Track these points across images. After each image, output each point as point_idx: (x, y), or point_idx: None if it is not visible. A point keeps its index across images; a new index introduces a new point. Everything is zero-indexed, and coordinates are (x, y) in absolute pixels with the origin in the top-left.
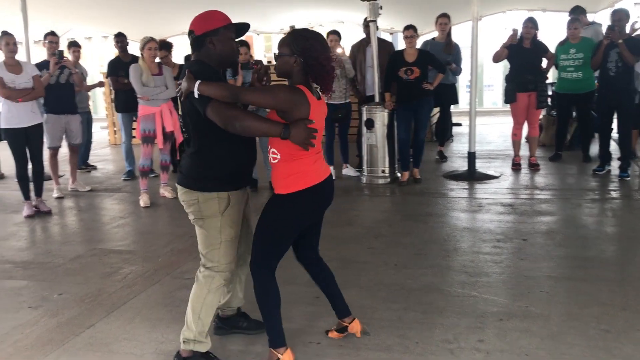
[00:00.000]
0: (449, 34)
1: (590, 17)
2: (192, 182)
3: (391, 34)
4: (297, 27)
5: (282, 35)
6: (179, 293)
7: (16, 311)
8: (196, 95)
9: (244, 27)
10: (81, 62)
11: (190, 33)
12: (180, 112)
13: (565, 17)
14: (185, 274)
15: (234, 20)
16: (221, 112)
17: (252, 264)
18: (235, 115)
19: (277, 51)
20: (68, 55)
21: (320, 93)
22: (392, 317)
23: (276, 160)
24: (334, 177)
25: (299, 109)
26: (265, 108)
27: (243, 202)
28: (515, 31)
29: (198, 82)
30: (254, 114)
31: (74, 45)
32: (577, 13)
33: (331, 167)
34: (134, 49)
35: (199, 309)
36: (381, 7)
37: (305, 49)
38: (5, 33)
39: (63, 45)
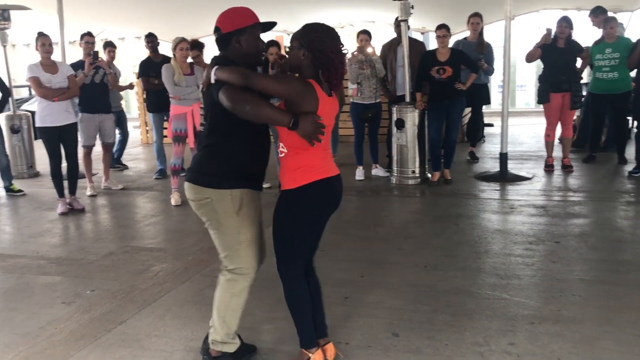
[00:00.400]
0: (481, 34)
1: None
2: (203, 179)
3: (422, 33)
4: None
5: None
6: (208, 291)
7: (50, 306)
8: (212, 81)
9: (270, 25)
10: (115, 62)
11: (216, 30)
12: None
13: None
14: (215, 272)
15: (263, 20)
16: (231, 94)
17: (278, 267)
18: (246, 98)
19: (289, 45)
20: (103, 55)
21: (330, 90)
22: (421, 318)
23: (283, 155)
24: (362, 177)
25: (308, 102)
26: (274, 95)
27: (259, 201)
28: (549, 31)
29: (215, 67)
30: (266, 101)
31: (109, 46)
32: (597, 13)
33: (360, 167)
34: (165, 49)
35: (224, 312)
36: (412, 7)
37: (313, 41)
38: (41, 34)
39: (99, 46)
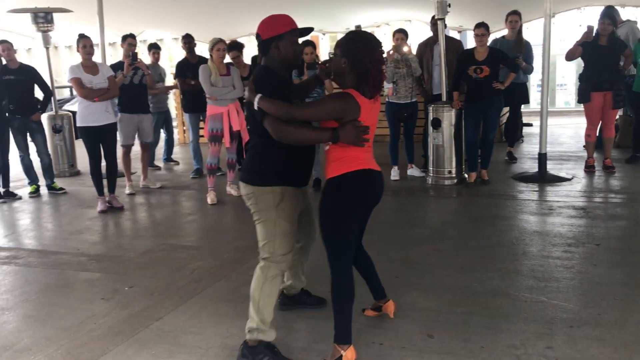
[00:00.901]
0: (519, 32)
1: (624, 15)
2: (249, 177)
3: (459, 32)
4: (363, 26)
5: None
6: (244, 289)
7: (90, 302)
8: (255, 108)
9: (307, 30)
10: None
11: (257, 37)
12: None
13: None
14: (250, 271)
15: (300, 21)
16: (275, 127)
17: (328, 257)
18: (287, 131)
19: (332, 51)
20: (148, 57)
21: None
22: (456, 320)
23: (328, 147)
24: (397, 178)
25: (350, 113)
26: (317, 120)
27: (300, 198)
28: (590, 28)
29: (259, 96)
30: (304, 126)
31: (153, 47)
32: (610, 12)
33: (395, 167)
34: (202, 50)
35: (258, 298)
36: (449, 5)
37: (352, 51)
38: (82, 36)
39: (143, 47)
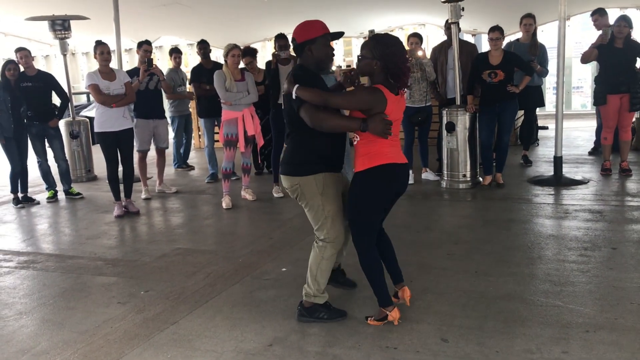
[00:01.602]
0: (534, 35)
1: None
2: (292, 169)
3: (473, 35)
4: (377, 31)
5: (362, 39)
6: (258, 293)
7: (106, 306)
8: (294, 97)
9: (338, 35)
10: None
11: (293, 40)
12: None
13: None
14: (265, 275)
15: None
16: (311, 115)
17: (353, 239)
18: (322, 117)
19: (360, 54)
20: (170, 62)
21: (398, 90)
22: (471, 325)
23: (356, 142)
24: (412, 181)
25: (378, 107)
26: (349, 109)
27: (340, 183)
28: (605, 31)
29: (297, 85)
30: (337, 114)
31: (175, 52)
32: (602, 13)
33: (410, 171)
34: (217, 56)
35: (315, 272)
36: (463, 9)
37: (385, 54)
38: (99, 42)
39: (160, 54)
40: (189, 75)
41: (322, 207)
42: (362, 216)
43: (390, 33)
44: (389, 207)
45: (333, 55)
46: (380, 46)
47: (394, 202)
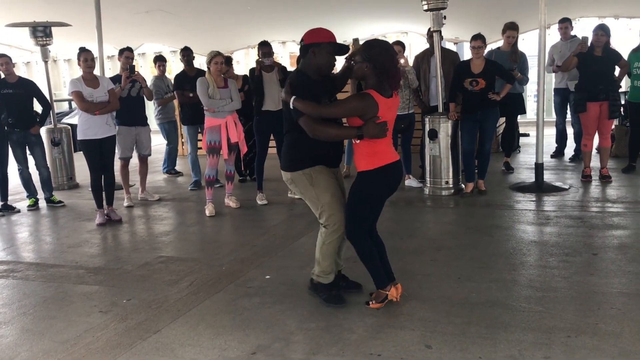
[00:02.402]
0: (515, 43)
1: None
2: (286, 165)
3: (455, 43)
4: (361, 39)
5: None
6: (242, 301)
7: (88, 315)
8: (291, 107)
9: (344, 49)
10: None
11: (301, 41)
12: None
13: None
14: (248, 283)
15: (297, 35)
16: (309, 127)
17: (347, 230)
18: (319, 129)
19: (353, 60)
20: (154, 69)
21: (391, 92)
22: (454, 330)
23: (357, 142)
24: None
25: (370, 111)
26: (342, 117)
27: (331, 174)
28: (584, 39)
29: (293, 97)
30: (334, 125)
31: (159, 60)
32: (564, 20)
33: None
34: (200, 63)
35: (319, 255)
36: (445, 17)
37: (371, 55)
38: (83, 49)
39: (142, 61)
40: (171, 83)
41: (316, 197)
42: (359, 211)
43: (380, 39)
44: (381, 207)
45: (334, 64)
46: (367, 48)
47: (387, 197)
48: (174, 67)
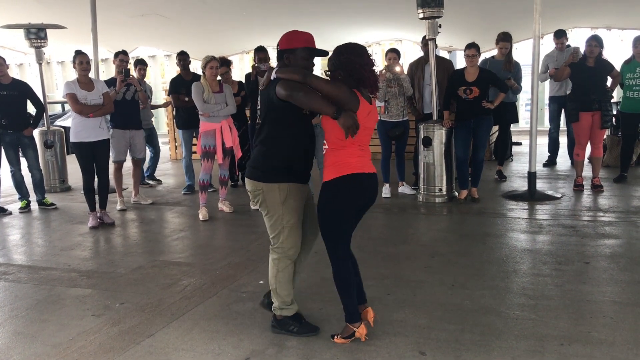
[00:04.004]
0: (509, 52)
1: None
2: (258, 174)
3: (449, 51)
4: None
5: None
6: (235, 306)
7: (81, 318)
8: (273, 76)
9: (322, 53)
10: (146, 79)
11: (277, 46)
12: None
13: (632, 35)
14: (242, 287)
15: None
16: (288, 84)
17: (327, 250)
18: (300, 87)
19: (326, 69)
20: (134, 73)
21: (370, 98)
22: (448, 337)
23: (325, 150)
24: (389, 195)
25: (352, 104)
26: (327, 95)
27: (303, 195)
28: (576, 49)
29: (277, 68)
30: (316, 93)
31: (140, 64)
32: (560, 35)
33: (387, 185)
34: (195, 67)
35: (275, 285)
36: (440, 26)
37: (341, 62)
38: (79, 52)
39: (129, 64)
40: (165, 87)
41: (281, 216)
42: (332, 226)
43: (351, 42)
44: (357, 219)
45: (311, 69)
46: (336, 55)
47: (362, 213)
48: (168, 70)
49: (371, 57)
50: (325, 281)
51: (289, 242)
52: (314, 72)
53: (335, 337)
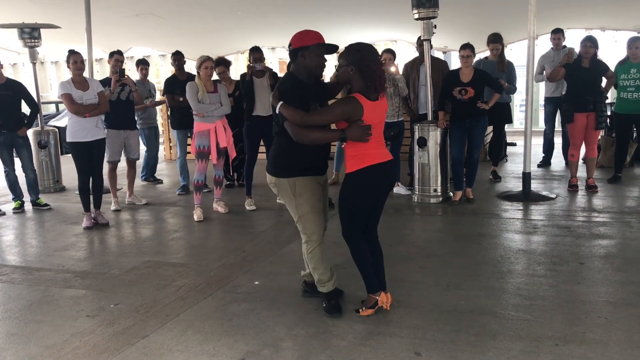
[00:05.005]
0: (502, 53)
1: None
2: (272, 169)
3: (444, 52)
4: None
5: (335, 54)
6: (230, 307)
7: (75, 319)
8: (277, 112)
9: (333, 48)
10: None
11: (289, 46)
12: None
13: (626, 36)
14: (237, 288)
15: (286, 41)
16: (294, 131)
17: (342, 232)
18: (303, 133)
19: (337, 63)
20: (136, 73)
21: (377, 95)
22: (443, 338)
23: (344, 145)
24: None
25: (355, 114)
26: (328, 124)
27: (318, 185)
28: (570, 50)
29: (280, 103)
30: (318, 129)
31: (141, 63)
32: (557, 31)
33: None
34: (190, 67)
35: (308, 268)
36: (435, 26)
37: (357, 59)
38: (72, 52)
39: (131, 64)
40: (160, 87)
41: (295, 207)
42: (350, 214)
43: (363, 42)
44: (381, 204)
45: (324, 65)
46: (352, 52)
47: (383, 199)
48: (163, 70)
49: (379, 56)
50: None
51: (309, 227)
52: (325, 68)
53: (361, 310)
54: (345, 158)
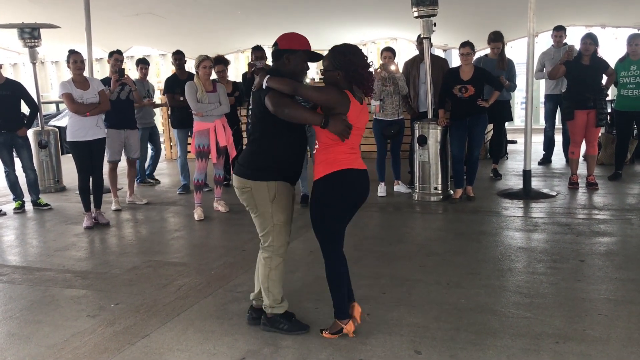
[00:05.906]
0: (501, 52)
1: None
2: (247, 172)
3: (444, 50)
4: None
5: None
6: (231, 306)
7: (75, 319)
8: (264, 86)
9: (318, 57)
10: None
11: (275, 45)
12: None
13: (626, 33)
14: (238, 287)
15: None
16: (275, 100)
17: (321, 248)
18: (285, 103)
19: (322, 67)
20: (136, 72)
21: (362, 98)
22: (444, 336)
23: (316, 150)
24: (384, 194)
25: (341, 108)
26: (316, 103)
27: (291, 193)
28: (570, 47)
29: (268, 76)
30: (302, 106)
31: (141, 63)
32: (559, 28)
33: (382, 183)
34: (190, 66)
35: (267, 284)
36: (435, 24)
37: (344, 62)
38: (72, 51)
39: (131, 64)
40: (160, 86)
41: (271, 215)
42: (325, 224)
43: (348, 43)
44: (350, 216)
45: (307, 71)
46: (338, 56)
47: (354, 210)
48: (164, 70)
49: (366, 58)
50: (319, 280)
51: (279, 240)
52: (307, 75)
53: (324, 332)
54: (315, 165)
